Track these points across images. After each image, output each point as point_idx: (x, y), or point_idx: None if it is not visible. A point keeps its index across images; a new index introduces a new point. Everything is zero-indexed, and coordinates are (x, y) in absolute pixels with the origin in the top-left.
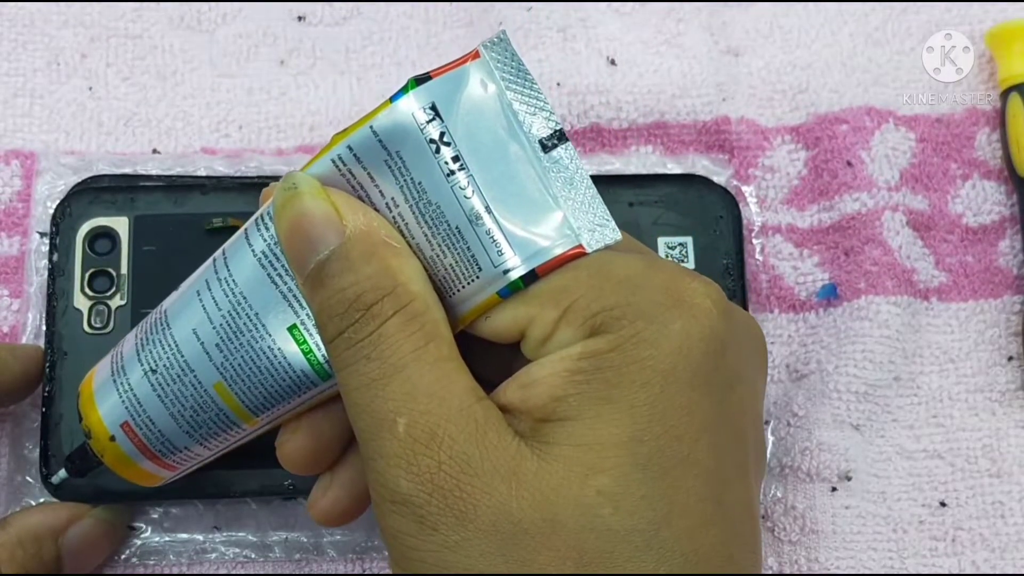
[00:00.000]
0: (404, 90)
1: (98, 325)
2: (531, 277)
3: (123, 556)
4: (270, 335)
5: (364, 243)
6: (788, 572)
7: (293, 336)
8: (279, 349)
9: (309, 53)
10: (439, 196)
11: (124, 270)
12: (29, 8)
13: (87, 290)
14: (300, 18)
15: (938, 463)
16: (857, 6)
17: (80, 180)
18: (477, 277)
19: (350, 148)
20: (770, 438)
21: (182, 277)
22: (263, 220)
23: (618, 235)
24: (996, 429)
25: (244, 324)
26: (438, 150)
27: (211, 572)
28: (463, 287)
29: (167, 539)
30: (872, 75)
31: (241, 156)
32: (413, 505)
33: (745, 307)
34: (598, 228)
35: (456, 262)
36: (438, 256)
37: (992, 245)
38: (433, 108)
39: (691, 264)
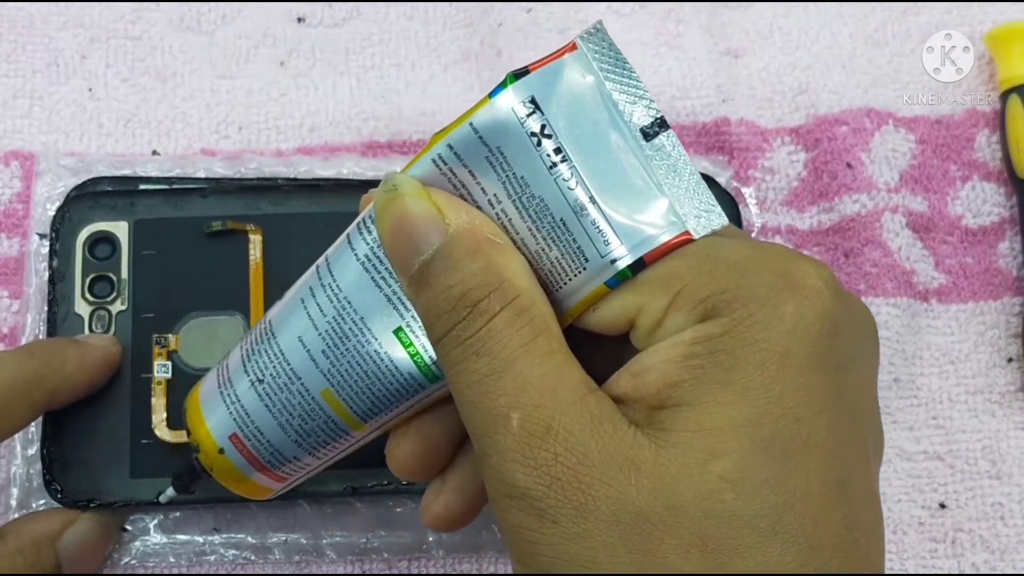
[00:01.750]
0: (502, 85)
1: (99, 330)
2: (639, 265)
3: (122, 558)
4: (376, 339)
5: (467, 241)
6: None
7: (399, 339)
8: (385, 352)
9: (309, 54)
10: (542, 189)
11: (124, 275)
12: (29, 9)
13: (88, 295)
14: (300, 19)
15: (938, 465)
16: (857, 8)
17: (80, 182)
18: (584, 269)
19: (450, 147)
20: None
21: (182, 281)
22: (365, 224)
23: (724, 220)
24: (996, 431)
25: (350, 329)
26: (540, 143)
27: (210, 573)
28: (569, 280)
29: (166, 541)
30: (872, 76)
31: (241, 157)
32: (532, 499)
33: None
34: (704, 214)
35: (562, 255)
36: (543, 250)
37: (992, 247)
38: (533, 102)
39: None
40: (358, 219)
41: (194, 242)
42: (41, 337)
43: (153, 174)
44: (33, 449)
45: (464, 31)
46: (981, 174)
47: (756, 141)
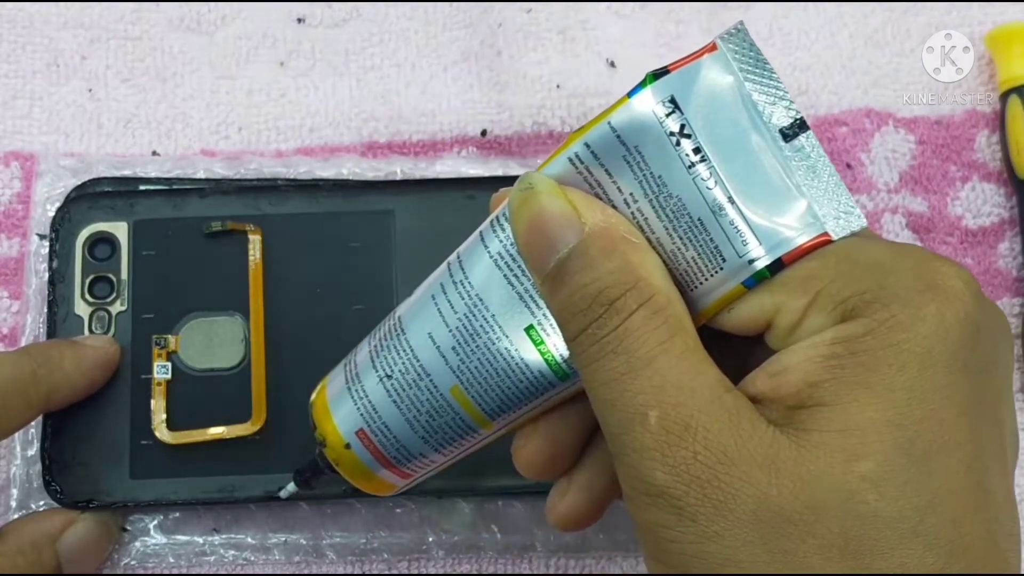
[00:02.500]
0: (642, 85)
1: (99, 331)
2: (777, 266)
3: (122, 559)
4: (507, 336)
5: (603, 240)
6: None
7: (530, 336)
8: (516, 350)
9: (308, 55)
10: (680, 189)
11: (124, 275)
12: (29, 10)
13: (87, 296)
14: (300, 20)
15: None
16: (856, 8)
17: (80, 183)
18: (720, 269)
19: (587, 145)
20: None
21: (182, 281)
22: (498, 221)
23: (863, 222)
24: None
25: (480, 326)
26: (678, 143)
27: (210, 574)
28: (705, 280)
29: (166, 541)
30: (872, 77)
31: (240, 158)
32: (670, 497)
33: None
34: (843, 215)
35: (698, 255)
36: (679, 250)
37: (992, 247)
38: (672, 101)
39: None
40: (491, 217)
41: (194, 243)
42: (41, 338)
43: (153, 174)
44: (33, 450)
45: (464, 31)
46: (981, 175)
47: None
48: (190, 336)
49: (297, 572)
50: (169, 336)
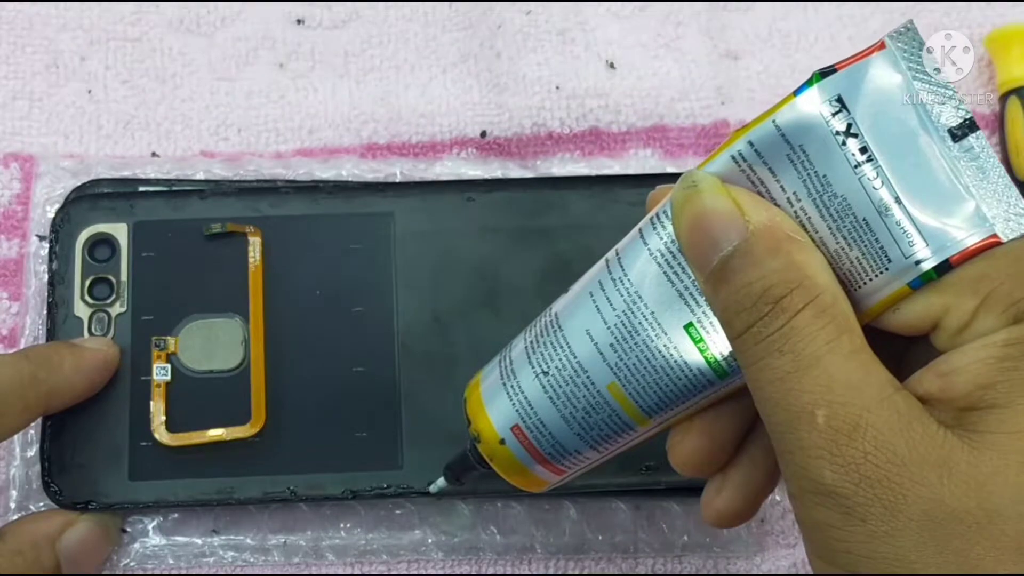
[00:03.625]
0: (808, 83)
1: (98, 333)
2: (944, 267)
3: (121, 560)
4: (666, 333)
5: (768, 238)
6: (786, 574)
7: (689, 334)
8: (675, 347)
9: (308, 56)
10: (845, 188)
11: (124, 277)
12: (28, 11)
13: (87, 298)
14: (299, 21)
15: None
16: (856, 10)
17: (79, 184)
18: (886, 269)
19: (751, 144)
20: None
21: (183, 283)
22: (658, 219)
23: None
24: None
25: (639, 323)
26: (844, 142)
27: (210, 574)
28: (869, 280)
29: (165, 542)
30: None
31: (240, 159)
32: (838, 496)
33: None
34: (1014, 217)
35: (863, 255)
36: (843, 249)
37: None
38: (839, 100)
39: None
40: (651, 214)
41: (193, 244)
42: (41, 339)
43: (152, 176)
44: (32, 451)
45: (463, 33)
46: None
47: None
48: (189, 338)
49: (296, 573)
50: (169, 338)
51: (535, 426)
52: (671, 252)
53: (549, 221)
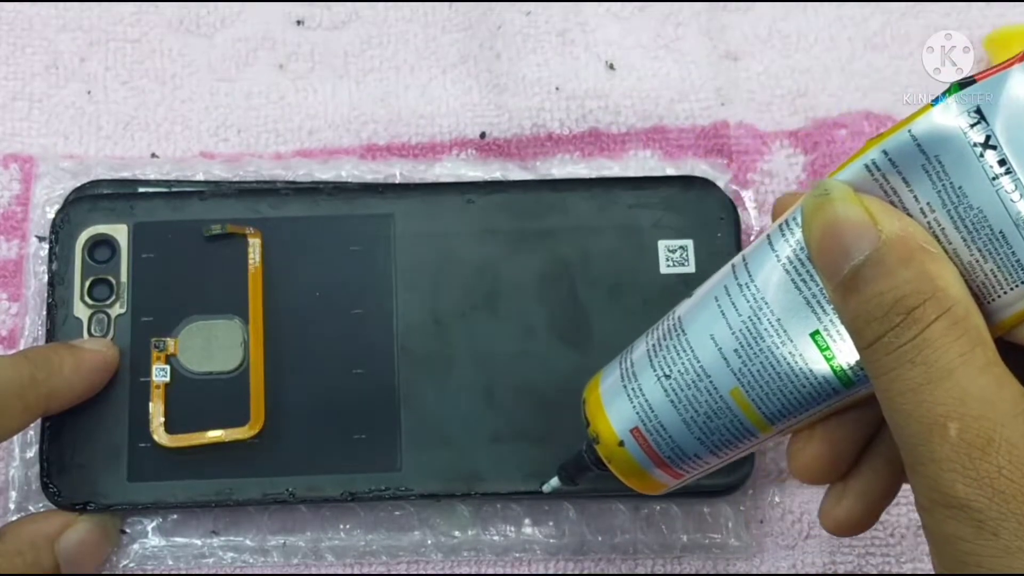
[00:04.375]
0: (946, 93)
1: (98, 334)
2: None
3: (121, 561)
4: (791, 340)
5: (900, 248)
6: (785, 574)
7: (815, 342)
8: (800, 355)
9: (308, 57)
10: (981, 200)
11: (124, 278)
12: (28, 12)
13: (87, 299)
14: (299, 22)
15: None
16: (855, 11)
17: (78, 185)
18: (1021, 282)
19: (885, 153)
20: (769, 443)
21: (182, 284)
22: (788, 226)
23: None
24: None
25: (765, 329)
26: (982, 154)
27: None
28: (1004, 293)
29: (165, 543)
30: (871, 80)
31: (239, 160)
32: (970, 510)
33: None
34: None
35: (997, 267)
36: (977, 262)
37: None
38: (978, 111)
39: (692, 267)
40: (780, 220)
41: (193, 245)
42: (40, 340)
43: (152, 176)
44: (32, 452)
45: (463, 34)
46: None
47: (755, 144)
48: (189, 339)
49: (296, 574)
50: (168, 339)
51: (655, 429)
52: (799, 259)
53: (549, 223)
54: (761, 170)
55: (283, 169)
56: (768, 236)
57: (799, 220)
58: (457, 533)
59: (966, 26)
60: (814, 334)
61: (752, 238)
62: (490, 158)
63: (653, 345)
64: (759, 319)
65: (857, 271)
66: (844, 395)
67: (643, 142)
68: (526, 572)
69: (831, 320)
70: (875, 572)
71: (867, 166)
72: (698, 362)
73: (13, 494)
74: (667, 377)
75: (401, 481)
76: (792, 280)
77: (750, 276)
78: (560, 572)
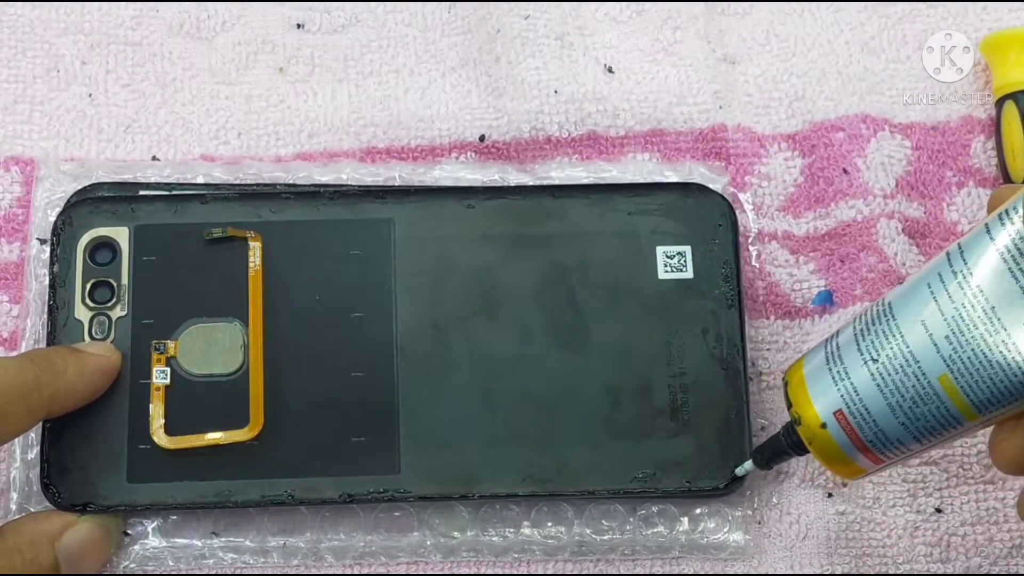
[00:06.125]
0: None
1: (99, 336)
2: None
3: (121, 561)
4: (1005, 329)
5: None
6: (784, 574)
7: None
8: (1014, 344)
9: (308, 60)
10: None
11: (125, 280)
12: (29, 15)
13: (88, 301)
14: (299, 26)
15: (932, 469)
16: (853, 15)
17: (80, 188)
18: None
19: None
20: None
21: (183, 287)
22: (1008, 215)
23: None
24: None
25: (979, 317)
26: None
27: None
28: None
29: (165, 544)
30: (868, 83)
31: (240, 163)
32: None
33: (741, 314)
34: None
35: None
36: None
37: None
38: None
39: (690, 273)
40: (999, 210)
41: (194, 248)
42: (41, 342)
43: (153, 179)
44: (33, 453)
45: (462, 38)
46: (976, 180)
47: (753, 147)
48: (189, 342)
49: (296, 574)
50: (168, 341)
51: (859, 412)
52: (1018, 249)
53: (548, 229)
54: (759, 173)
55: (283, 172)
56: (987, 225)
57: (1020, 210)
58: (456, 534)
59: (962, 30)
60: None
61: (748, 241)
62: (489, 161)
63: (861, 329)
64: (973, 307)
65: None
66: None
67: (641, 145)
68: (525, 572)
69: None
70: (871, 573)
71: None
72: (907, 347)
73: (14, 495)
74: (874, 361)
75: (400, 483)
76: (1009, 269)
77: (965, 263)
78: (559, 572)
